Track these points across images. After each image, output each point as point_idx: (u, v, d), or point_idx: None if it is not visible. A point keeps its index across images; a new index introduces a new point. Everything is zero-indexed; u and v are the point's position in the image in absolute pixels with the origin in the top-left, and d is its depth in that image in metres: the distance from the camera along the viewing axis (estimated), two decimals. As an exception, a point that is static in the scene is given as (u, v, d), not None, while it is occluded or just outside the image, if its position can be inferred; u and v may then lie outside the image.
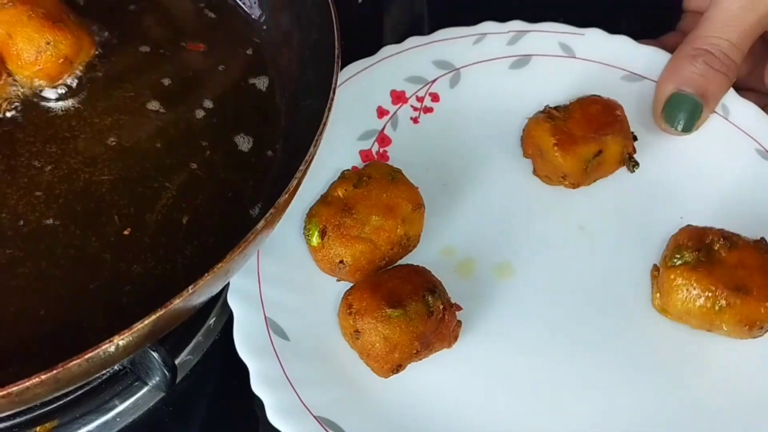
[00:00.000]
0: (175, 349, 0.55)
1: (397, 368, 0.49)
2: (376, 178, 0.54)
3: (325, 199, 0.54)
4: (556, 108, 0.59)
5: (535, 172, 0.60)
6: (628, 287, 0.56)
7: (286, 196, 0.46)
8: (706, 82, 0.59)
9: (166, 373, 0.48)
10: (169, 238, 0.51)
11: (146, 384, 0.52)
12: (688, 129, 0.60)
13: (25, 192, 0.52)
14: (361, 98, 0.62)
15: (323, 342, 0.52)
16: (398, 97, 0.63)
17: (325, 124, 0.49)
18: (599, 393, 0.52)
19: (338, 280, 0.54)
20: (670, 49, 0.63)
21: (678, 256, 0.52)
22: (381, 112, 0.62)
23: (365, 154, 0.61)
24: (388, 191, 0.53)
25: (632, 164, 0.59)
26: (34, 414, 0.51)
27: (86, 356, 0.39)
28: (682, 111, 0.59)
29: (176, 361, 0.52)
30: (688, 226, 0.55)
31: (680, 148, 0.61)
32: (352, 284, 0.52)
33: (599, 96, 0.60)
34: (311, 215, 0.54)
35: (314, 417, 0.48)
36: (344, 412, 0.49)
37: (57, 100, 0.56)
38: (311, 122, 0.50)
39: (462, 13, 0.66)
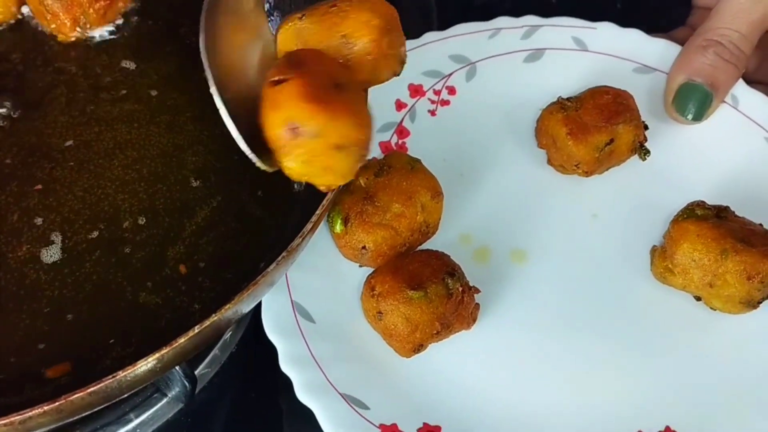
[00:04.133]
0: (193, 362, 0.55)
1: (419, 348, 0.51)
2: (396, 167, 0.56)
3: (347, 188, 0.56)
4: (568, 99, 0.61)
5: (549, 161, 0.62)
6: (639, 271, 0.57)
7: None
8: (717, 72, 0.61)
9: (187, 384, 0.50)
10: (191, 269, 0.50)
11: (165, 395, 0.53)
12: (698, 118, 0.62)
13: (54, 218, 0.52)
14: (381, 92, 0.63)
15: (347, 323, 0.54)
16: (416, 91, 0.65)
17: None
18: (610, 369, 0.54)
19: (360, 266, 0.56)
20: (681, 43, 0.65)
21: (690, 211, 0.55)
22: (399, 105, 0.64)
23: (384, 146, 0.63)
24: (408, 180, 0.55)
25: (644, 152, 0.61)
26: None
27: (89, 390, 0.40)
28: (693, 100, 0.61)
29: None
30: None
31: (691, 137, 0.62)
32: (373, 269, 0.54)
33: (610, 86, 0.61)
34: (334, 203, 0.56)
35: (339, 394, 0.50)
36: (368, 389, 0.51)
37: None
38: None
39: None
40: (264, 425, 0.57)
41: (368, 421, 0.50)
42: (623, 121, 0.59)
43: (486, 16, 0.67)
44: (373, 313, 0.52)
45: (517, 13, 0.68)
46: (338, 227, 0.55)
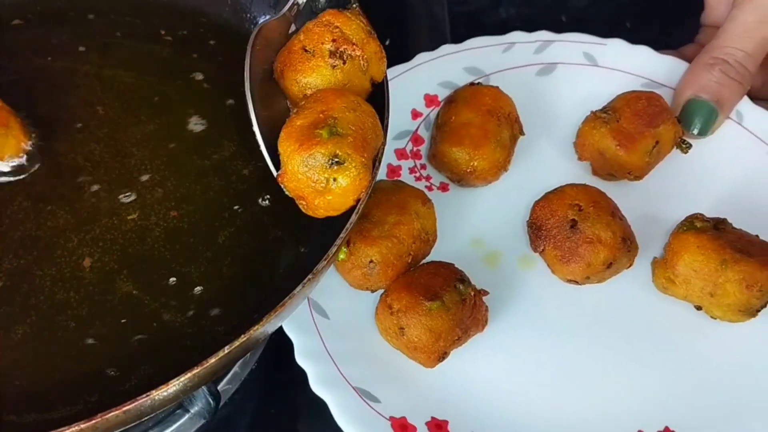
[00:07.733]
0: (215, 379, 0.56)
1: (443, 356, 0.53)
2: (382, 188, 0.58)
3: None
4: (603, 111, 0.62)
5: (594, 172, 0.64)
6: (641, 282, 0.59)
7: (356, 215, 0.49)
8: (722, 89, 0.63)
9: (211, 401, 0.51)
10: (214, 288, 0.51)
11: (188, 411, 0.54)
12: (703, 133, 0.64)
13: (83, 238, 0.53)
14: (397, 101, 0.66)
15: (360, 321, 0.56)
16: (431, 101, 0.67)
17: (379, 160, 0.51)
18: (613, 372, 0.56)
19: (372, 292, 0.57)
20: (689, 59, 0.67)
21: (689, 224, 0.56)
22: (415, 114, 0.67)
23: (400, 152, 0.65)
24: (396, 194, 0.57)
25: (685, 146, 0.63)
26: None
27: (124, 408, 0.41)
28: (699, 116, 0.63)
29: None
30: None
31: (696, 151, 0.64)
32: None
33: (639, 90, 0.63)
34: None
35: (352, 387, 0.52)
36: (379, 384, 0.53)
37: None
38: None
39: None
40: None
41: (379, 413, 0.52)
42: (663, 122, 0.61)
43: (497, 33, 0.70)
44: (394, 330, 0.53)
45: (529, 29, 0.70)
46: (341, 254, 0.55)
